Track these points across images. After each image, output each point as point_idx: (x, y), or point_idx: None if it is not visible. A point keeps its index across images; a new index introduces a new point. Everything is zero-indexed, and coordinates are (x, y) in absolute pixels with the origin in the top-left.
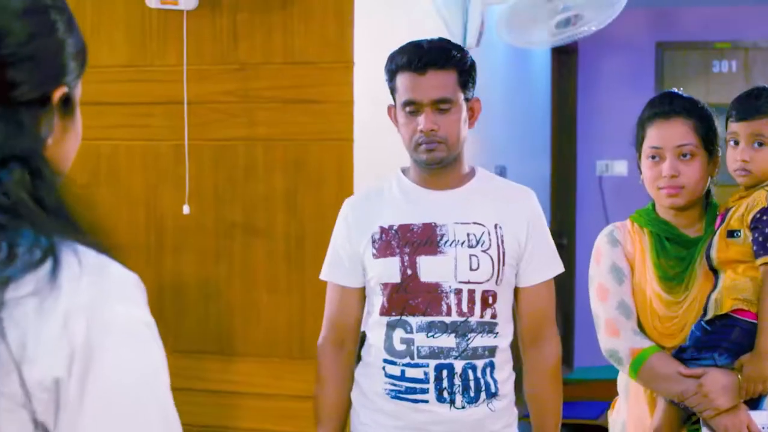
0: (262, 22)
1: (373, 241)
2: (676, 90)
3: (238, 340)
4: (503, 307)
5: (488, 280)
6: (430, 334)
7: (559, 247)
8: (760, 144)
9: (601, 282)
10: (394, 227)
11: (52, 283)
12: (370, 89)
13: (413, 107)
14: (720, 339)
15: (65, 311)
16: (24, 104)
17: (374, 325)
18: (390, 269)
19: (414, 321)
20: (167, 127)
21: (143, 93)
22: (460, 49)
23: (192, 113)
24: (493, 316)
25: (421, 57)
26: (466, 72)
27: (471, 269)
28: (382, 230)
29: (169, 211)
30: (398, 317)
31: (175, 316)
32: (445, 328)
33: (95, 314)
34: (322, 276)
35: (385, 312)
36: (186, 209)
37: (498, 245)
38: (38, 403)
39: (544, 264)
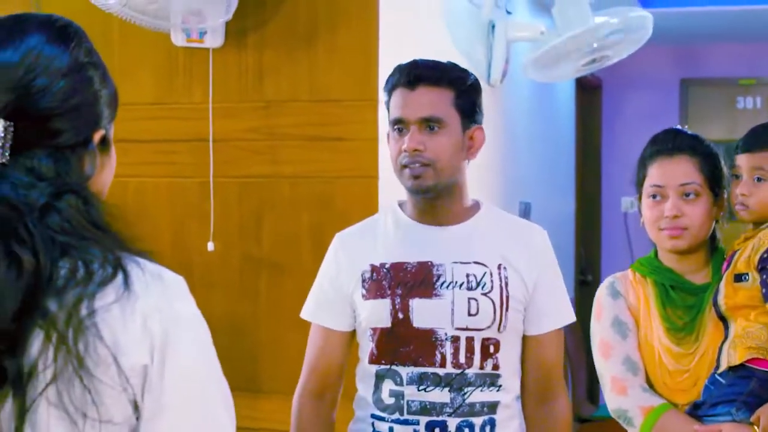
0: (288, 60)
1: (363, 281)
2: (680, 127)
3: (265, 377)
4: (508, 357)
5: (489, 327)
6: (421, 387)
7: (585, 284)
8: (759, 179)
9: (603, 338)
10: (387, 266)
11: (128, 292)
12: None
13: (401, 125)
14: (736, 392)
15: (142, 312)
16: (69, 147)
17: (363, 375)
18: (380, 312)
19: (404, 371)
20: (193, 164)
21: (169, 130)
22: (463, 70)
23: (217, 150)
24: (495, 367)
25: (413, 72)
26: (464, 93)
27: (469, 314)
28: (373, 269)
29: (194, 247)
30: (387, 366)
31: None
32: (439, 381)
33: (164, 313)
34: (304, 315)
35: (374, 360)
36: (211, 246)
37: (501, 288)
38: (132, 386)
39: (555, 311)
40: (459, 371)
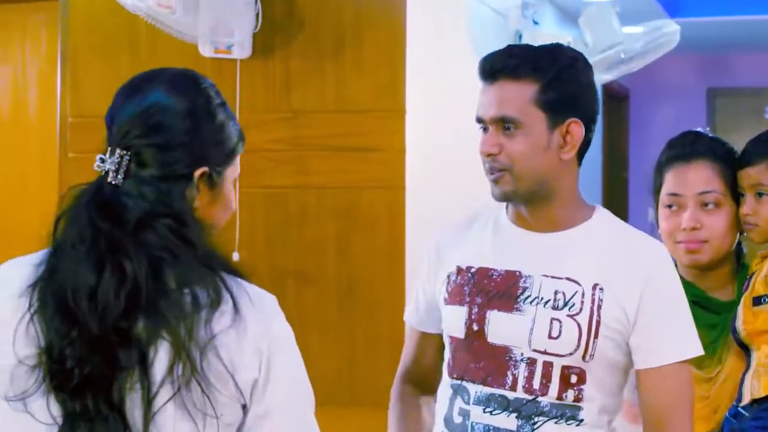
0: (315, 71)
1: (448, 283)
2: (701, 129)
3: None
4: (597, 391)
5: (571, 354)
6: (487, 409)
7: None
8: (761, 194)
9: None
10: (473, 269)
11: (238, 317)
12: (422, 137)
13: (482, 124)
14: (761, 426)
15: (254, 335)
16: (174, 178)
17: (443, 386)
18: (456, 320)
19: (473, 389)
20: None
21: None
22: (557, 56)
23: (244, 161)
24: (578, 400)
25: (492, 62)
26: (553, 84)
27: (550, 336)
28: (459, 271)
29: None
30: (459, 381)
31: None
32: (506, 405)
33: (269, 333)
34: (404, 316)
35: (450, 372)
36: (236, 256)
37: (592, 311)
38: (244, 396)
39: (668, 342)
40: (531, 397)
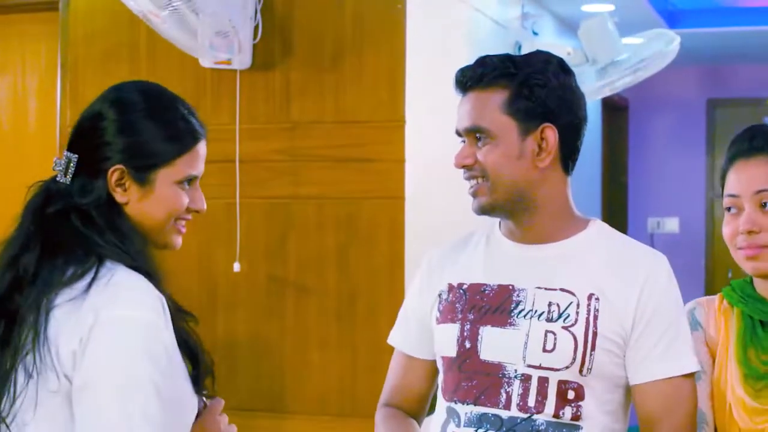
0: (315, 82)
1: (440, 302)
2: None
3: (290, 398)
4: (596, 408)
5: (567, 368)
6: (479, 430)
7: None
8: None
9: None
10: (464, 286)
11: (83, 294)
12: (421, 148)
13: (461, 138)
14: None
15: (86, 311)
16: (91, 176)
17: (438, 411)
18: (448, 339)
19: (463, 411)
20: (219, 185)
21: None
22: (530, 61)
23: (244, 171)
24: (576, 418)
25: (463, 74)
26: (524, 91)
27: (544, 350)
28: (450, 288)
29: (221, 268)
30: (450, 403)
31: (227, 373)
32: (499, 425)
33: (100, 313)
34: (388, 339)
35: (443, 394)
36: (237, 267)
37: (588, 322)
38: (63, 365)
39: (664, 356)
40: (525, 416)
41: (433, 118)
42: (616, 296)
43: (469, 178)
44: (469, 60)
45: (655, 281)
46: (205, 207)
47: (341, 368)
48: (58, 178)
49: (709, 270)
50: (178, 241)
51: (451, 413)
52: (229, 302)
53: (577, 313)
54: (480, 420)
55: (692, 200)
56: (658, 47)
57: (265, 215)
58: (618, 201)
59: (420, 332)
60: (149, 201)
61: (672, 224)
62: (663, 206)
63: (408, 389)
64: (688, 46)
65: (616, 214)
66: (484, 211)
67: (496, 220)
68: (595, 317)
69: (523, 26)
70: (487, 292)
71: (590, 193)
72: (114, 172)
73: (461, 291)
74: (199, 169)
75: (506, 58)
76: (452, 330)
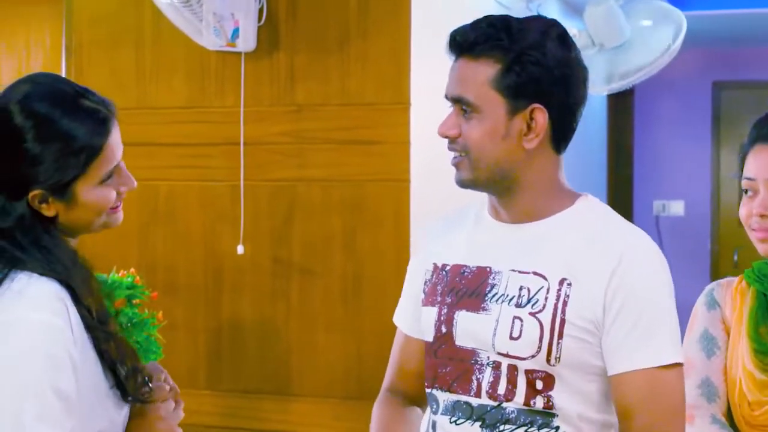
0: (319, 64)
1: (425, 282)
2: None
3: (296, 381)
4: (572, 397)
5: (533, 356)
6: (453, 418)
7: None
8: None
9: (689, 355)
10: (447, 267)
11: None
12: (426, 130)
13: (448, 102)
14: None
15: None
16: (11, 198)
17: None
18: (427, 323)
19: (441, 398)
20: (224, 168)
21: (201, 134)
22: (527, 33)
23: (249, 154)
24: (548, 407)
25: (456, 36)
26: (516, 66)
27: (511, 337)
28: (435, 269)
29: (225, 251)
30: (431, 389)
31: (233, 356)
32: (470, 413)
33: None
34: (393, 317)
35: (426, 379)
36: (240, 249)
37: (556, 308)
38: None
39: (642, 345)
40: (495, 404)
41: (439, 101)
42: (587, 279)
43: (451, 150)
44: None
45: (630, 263)
46: (135, 184)
47: (347, 351)
48: None
49: (714, 252)
50: (119, 218)
51: (432, 400)
52: (235, 285)
53: (546, 298)
54: (454, 408)
55: (698, 183)
56: (666, 34)
57: (269, 198)
58: (623, 184)
59: (415, 311)
60: (77, 210)
61: (677, 207)
62: (668, 189)
63: (407, 369)
64: (694, 28)
65: (621, 197)
66: (464, 185)
67: (486, 197)
68: (564, 303)
69: (528, 7)
70: (466, 274)
71: (596, 176)
72: (34, 197)
73: (444, 272)
74: (118, 156)
75: (502, 25)
76: (431, 313)
